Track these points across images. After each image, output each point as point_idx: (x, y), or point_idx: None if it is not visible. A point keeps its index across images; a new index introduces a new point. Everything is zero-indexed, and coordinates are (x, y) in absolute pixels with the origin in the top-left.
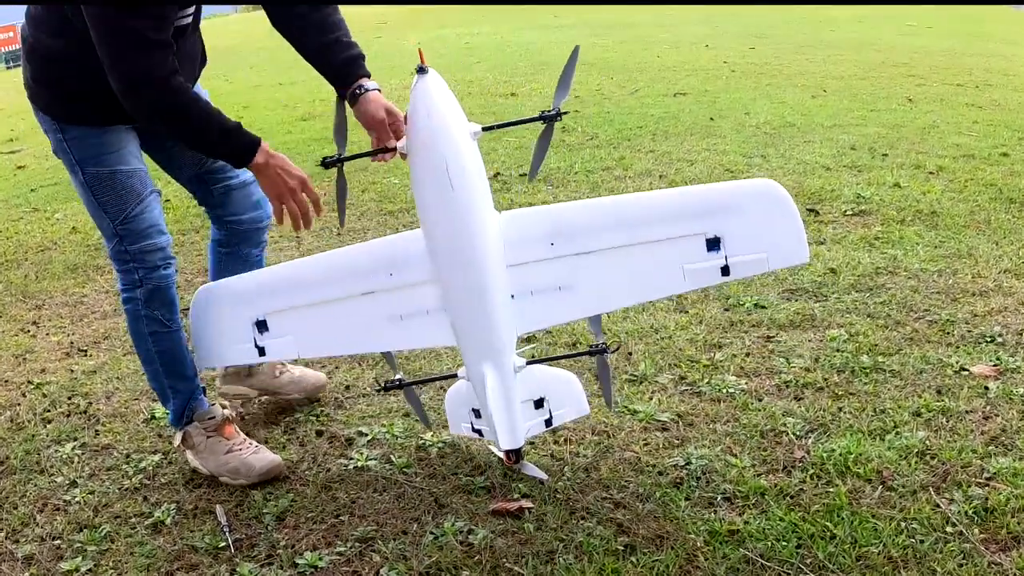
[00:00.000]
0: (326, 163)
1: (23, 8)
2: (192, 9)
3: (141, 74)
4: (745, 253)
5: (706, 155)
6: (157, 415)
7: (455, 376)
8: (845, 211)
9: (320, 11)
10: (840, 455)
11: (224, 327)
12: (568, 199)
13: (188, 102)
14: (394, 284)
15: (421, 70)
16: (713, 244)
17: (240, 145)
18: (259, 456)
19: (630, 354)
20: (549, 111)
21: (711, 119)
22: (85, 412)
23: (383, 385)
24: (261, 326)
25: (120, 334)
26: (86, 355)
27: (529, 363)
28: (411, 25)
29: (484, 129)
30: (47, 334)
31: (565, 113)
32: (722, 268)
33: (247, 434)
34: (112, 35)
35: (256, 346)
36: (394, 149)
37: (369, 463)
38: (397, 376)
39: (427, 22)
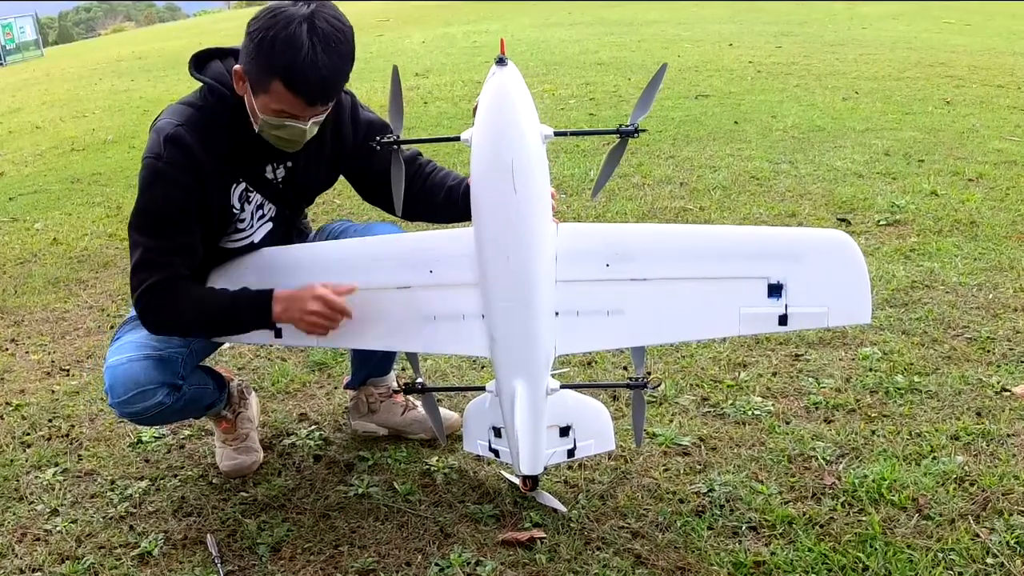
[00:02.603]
0: (380, 145)
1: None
2: (248, 233)
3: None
4: (806, 304)
5: (730, 161)
6: (144, 439)
7: (483, 389)
8: (878, 221)
9: (430, 185)
10: (873, 481)
11: None
12: (582, 207)
13: (185, 305)
14: (433, 282)
15: (500, 61)
16: (775, 290)
17: (253, 314)
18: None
19: (649, 373)
20: (627, 126)
21: (735, 123)
22: (67, 436)
23: (402, 386)
24: None
25: (104, 352)
26: (68, 375)
27: (562, 387)
28: (415, 22)
29: (556, 134)
30: (26, 352)
31: (643, 131)
32: (780, 317)
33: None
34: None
35: (272, 327)
36: (457, 138)
37: (370, 490)
38: (419, 379)
39: (432, 19)
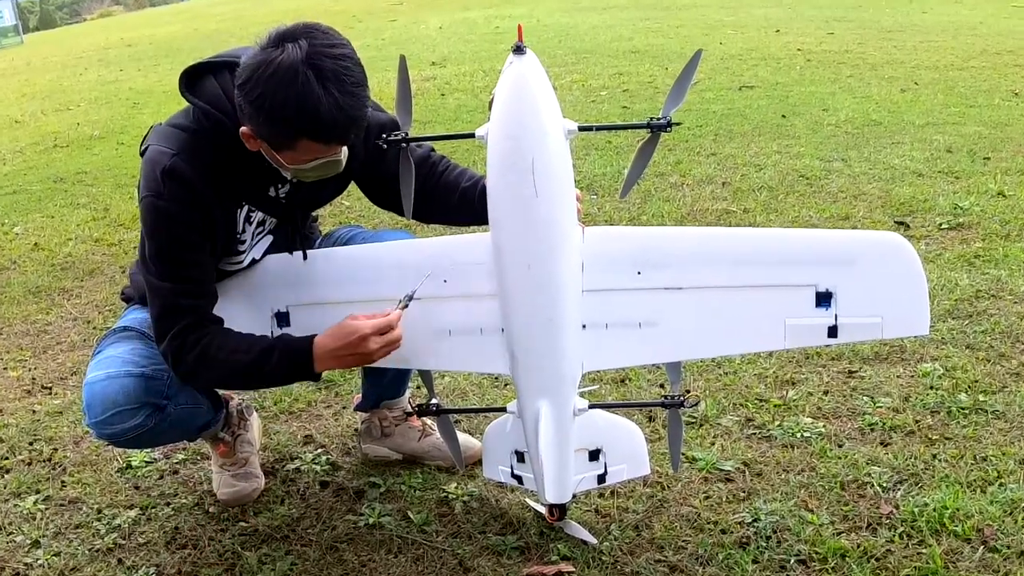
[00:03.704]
0: (387, 143)
1: None
2: (246, 254)
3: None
4: (858, 314)
5: (777, 159)
6: (133, 463)
7: (503, 410)
8: (940, 224)
9: (443, 185)
10: (934, 510)
11: (239, 311)
12: (614, 210)
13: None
14: (448, 293)
15: (518, 49)
16: (823, 299)
17: (291, 368)
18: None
19: (687, 391)
20: (658, 118)
21: (783, 116)
22: (49, 460)
23: (415, 408)
24: (281, 319)
25: None
26: (50, 393)
27: (591, 407)
28: (430, 6)
29: (580, 129)
30: (5, 368)
31: (677, 124)
32: (830, 328)
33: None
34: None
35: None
36: (472, 135)
37: (382, 520)
38: (433, 400)
39: (449, 2)
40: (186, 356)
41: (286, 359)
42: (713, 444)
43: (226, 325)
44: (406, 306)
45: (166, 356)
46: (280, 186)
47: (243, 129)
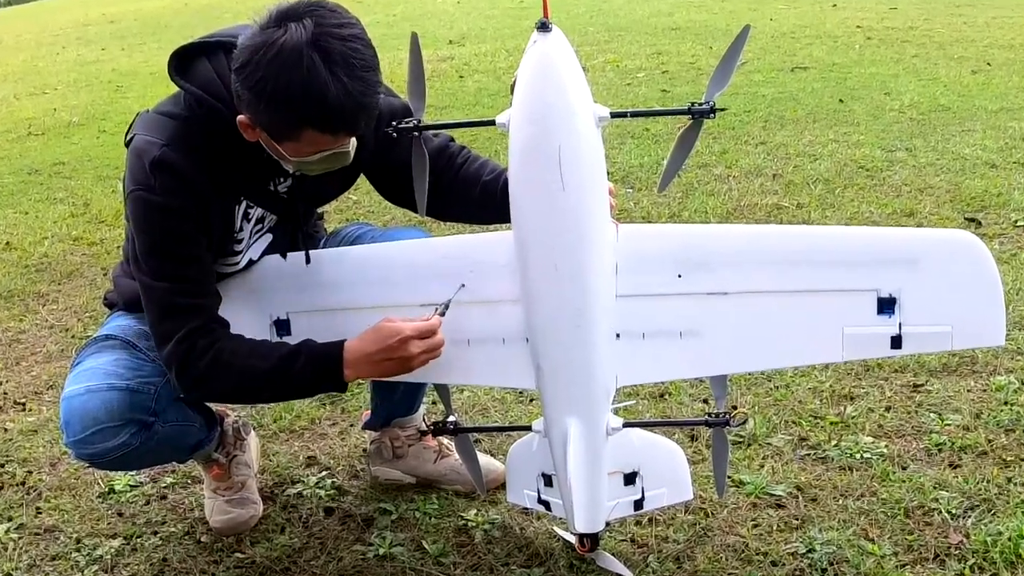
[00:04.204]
0: (398, 131)
1: None
2: (242, 254)
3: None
4: (925, 322)
5: (834, 148)
6: (117, 488)
7: (528, 428)
8: (1016, 221)
9: (461, 178)
10: (1009, 540)
11: (233, 318)
12: (652, 205)
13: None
14: (466, 298)
15: (543, 26)
16: (886, 305)
17: (320, 371)
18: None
19: (734, 408)
20: (700, 103)
21: (840, 101)
22: (23, 484)
23: (431, 426)
24: (281, 326)
25: None
26: (24, 409)
27: (626, 425)
28: None
29: (613, 115)
30: None
31: (722, 110)
32: (893, 338)
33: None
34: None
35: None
36: (492, 122)
37: (394, 550)
38: (451, 417)
39: None
40: (196, 362)
41: (312, 364)
42: (763, 466)
43: None
44: (442, 314)
45: (170, 362)
46: (281, 180)
47: (240, 117)
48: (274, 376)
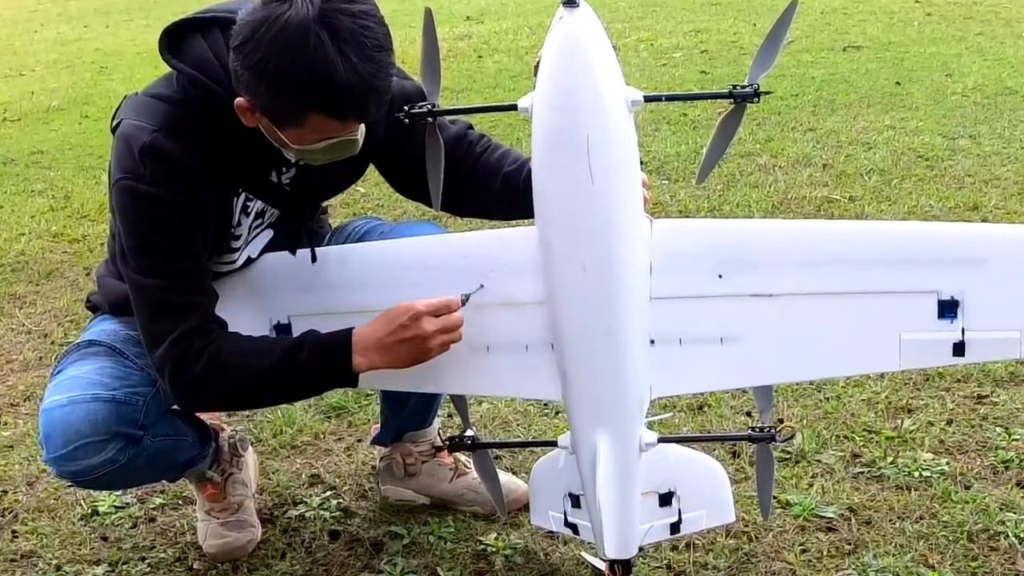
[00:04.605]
0: (410, 116)
1: None
2: (240, 252)
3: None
4: (990, 327)
5: (890, 135)
6: (101, 509)
7: (554, 444)
8: None
9: (481, 169)
10: None
11: (229, 322)
12: (690, 198)
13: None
14: (486, 300)
15: (569, 1)
16: (948, 309)
17: (327, 362)
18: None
19: (780, 421)
20: (742, 86)
21: (897, 83)
22: None
23: (446, 441)
24: (282, 331)
25: None
26: None
27: (661, 440)
28: None
29: (647, 99)
30: None
31: (767, 93)
32: (955, 344)
33: None
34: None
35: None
36: (514, 107)
37: None
38: (469, 432)
39: None
40: (192, 365)
41: (317, 356)
42: (811, 485)
43: None
44: (463, 303)
45: (163, 365)
46: (284, 170)
47: (239, 100)
48: (276, 373)
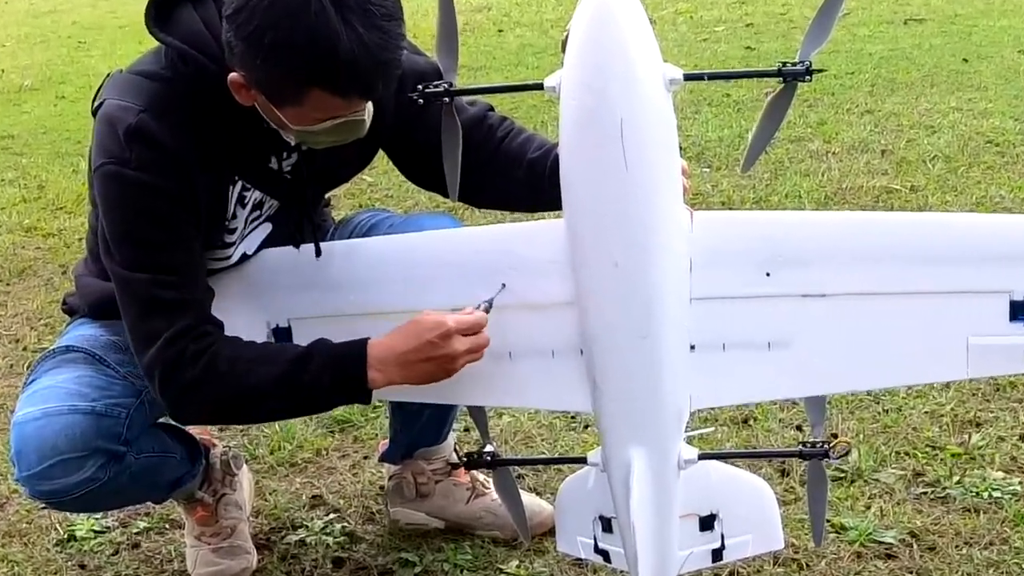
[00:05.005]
0: (426, 96)
1: None
2: (235, 246)
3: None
4: None
5: (956, 117)
6: (79, 534)
7: (583, 461)
8: None
9: (503, 155)
10: None
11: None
12: (734, 187)
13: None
14: (508, 301)
15: None
16: (1021, 311)
17: (340, 375)
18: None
19: (834, 436)
20: (792, 63)
21: (964, 61)
22: None
23: (463, 458)
24: (280, 336)
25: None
26: None
27: (702, 456)
28: None
29: (687, 78)
30: None
31: (819, 71)
32: None
33: None
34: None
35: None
36: (540, 86)
37: None
38: (488, 448)
39: None
40: (186, 370)
41: (329, 368)
42: (869, 507)
43: None
44: (486, 311)
45: (153, 368)
46: (285, 156)
47: (233, 76)
48: (282, 384)
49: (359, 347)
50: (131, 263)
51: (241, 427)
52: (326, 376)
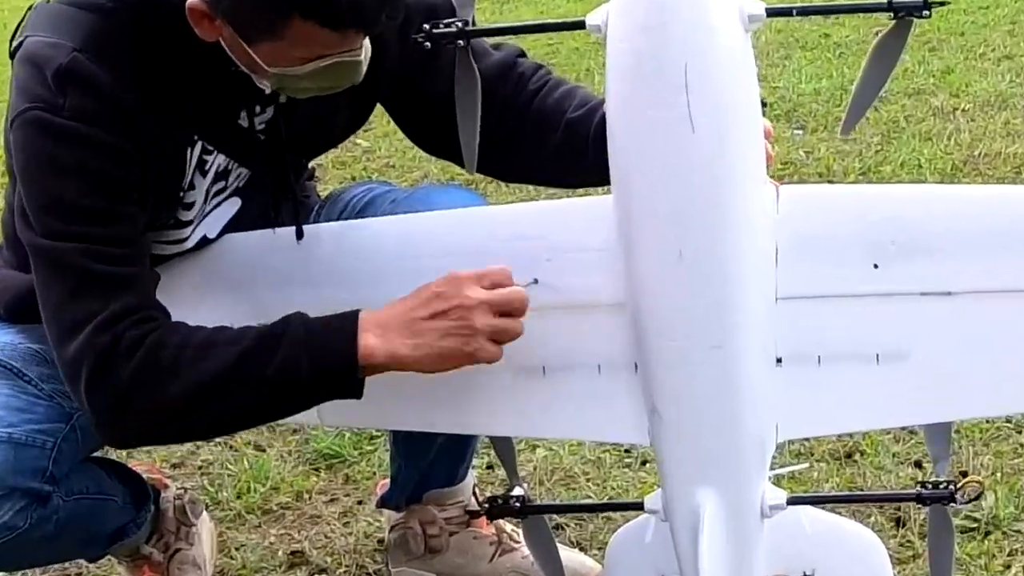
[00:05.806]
0: (435, 37)
1: None
2: (192, 225)
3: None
4: None
5: None
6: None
7: (639, 507)
8: None
9: (535, 114)
10: None
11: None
12: (833, 154)
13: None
14: (541, 301)
15: None
16: None
17: (320, 352)
18: None
19: (963, 474)
20: None
21: None
22: None
23: (485, 503)
24: None
25: None
26: None
27: (792, 501)
28: None
29: (771, 13)
30: None
31: (942, 4)
32: None
33: None
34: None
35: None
36: (582, 24)
37: None
38: (517, 490)
39: None
40: (122, 363)
41: (304, 343)
42: (1009, 567)
43: None
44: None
45: (79, 361)
46: (258, 110)
47: (192, 2)
48: (244, 372)
49: (348, 313)
50: (57, 233)
51: (199, 464)
52: (303, 353)
